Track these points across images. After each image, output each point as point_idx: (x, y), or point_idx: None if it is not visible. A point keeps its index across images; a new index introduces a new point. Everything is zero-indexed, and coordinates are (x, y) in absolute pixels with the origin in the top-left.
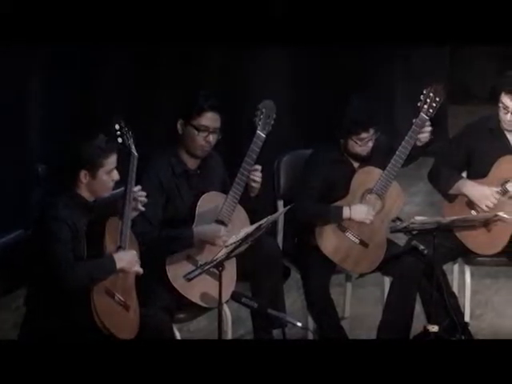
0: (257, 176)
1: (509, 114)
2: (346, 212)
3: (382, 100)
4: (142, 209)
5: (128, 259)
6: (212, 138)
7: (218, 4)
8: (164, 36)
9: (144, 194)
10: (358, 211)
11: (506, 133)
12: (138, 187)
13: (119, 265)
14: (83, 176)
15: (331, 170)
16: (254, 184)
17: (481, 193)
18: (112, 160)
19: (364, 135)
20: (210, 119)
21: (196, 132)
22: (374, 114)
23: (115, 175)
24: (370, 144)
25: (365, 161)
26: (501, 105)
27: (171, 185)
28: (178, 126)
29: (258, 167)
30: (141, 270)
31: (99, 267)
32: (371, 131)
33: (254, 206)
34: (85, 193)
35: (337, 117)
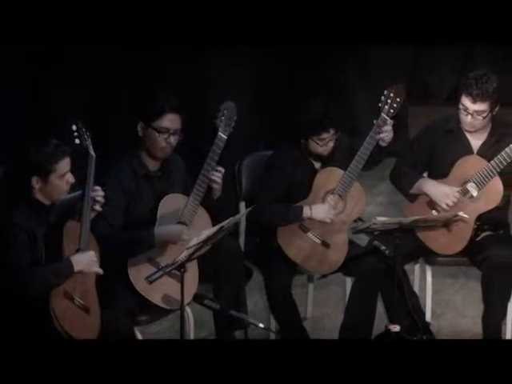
0: (216, 177)
1: (469, 116)
2: (306, 211)
3: (342, 99)
4: (99, 209)
5: (86, 260)
6: (173, 140)
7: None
8: (146, 37)
9: (102, 194)
10: (318, 210)
11: (466, 133)
12: (98, 188)
13: (77, 267)
14: (35, 181)
15: (292, 170)
16: (214, 185)
17: (441, 191)
18: (63, 164)
19: (324, 135)
20: (170, 121)
21: (157, 134)
22: (333, 114)
23: (70, 178)
24: (331, 144)
25: (326, 161)
26: (461, 107)
27: (132, 186)
28: (139, 129)
29: (221, 169)
30: (100, 271)
31: (56, 272)
32: (331, 131)
33: (217, 207)
34: (40, 197)
35: (297, 117)
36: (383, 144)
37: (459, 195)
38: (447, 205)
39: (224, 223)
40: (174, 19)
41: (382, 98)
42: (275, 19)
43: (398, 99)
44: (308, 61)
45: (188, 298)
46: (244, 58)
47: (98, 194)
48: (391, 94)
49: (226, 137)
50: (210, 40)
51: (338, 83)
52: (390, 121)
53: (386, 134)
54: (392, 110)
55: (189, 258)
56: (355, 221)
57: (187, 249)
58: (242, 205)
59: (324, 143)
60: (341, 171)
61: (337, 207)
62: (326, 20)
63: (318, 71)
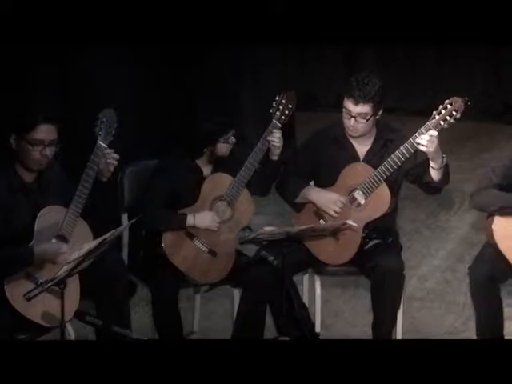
0: (111, 158)
1: (352, 120)
2: (189, 220)
3: (231, 108)
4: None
5: None
6: (49, 152)
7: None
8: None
9: None
10: (202, 218)
11: (351, 140)
12: None
13: None
14: None
15: (180, 176)
16: (109, 166)
17: (327, 198)
18: None
19: (230, 134)
20: (44, 132)
21: (30, 147)
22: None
23: None
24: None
25: (221, 167)
26: (344, 110)
27: (8, 200)
28: (12, 141)
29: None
30: None
31: None
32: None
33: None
34: None
35: (201, 125)
36: (274, 157)
37: (346, 202)
38: (335, 211)
39: (106, 236)
40: (50, 17)
41: (274, 104)
42: (157, 17)
43: (289, 106)
44: (197, 68)
45: (69, 315)
46: (125, 60)
47: None
48: (283, 101)
49: (105, 145)
50: (89, 39)
51: (225, 91)
52: (280, 127)
53: (277, 141)
54: (283, 117)
55: (69, 273)
56: (243, 229)
57: (67, 263)
58: (125, 216)
59: (231, 143)
60: (230, 177)
61: (225, 215)
62: (212, 20)
63: (209, 79)
